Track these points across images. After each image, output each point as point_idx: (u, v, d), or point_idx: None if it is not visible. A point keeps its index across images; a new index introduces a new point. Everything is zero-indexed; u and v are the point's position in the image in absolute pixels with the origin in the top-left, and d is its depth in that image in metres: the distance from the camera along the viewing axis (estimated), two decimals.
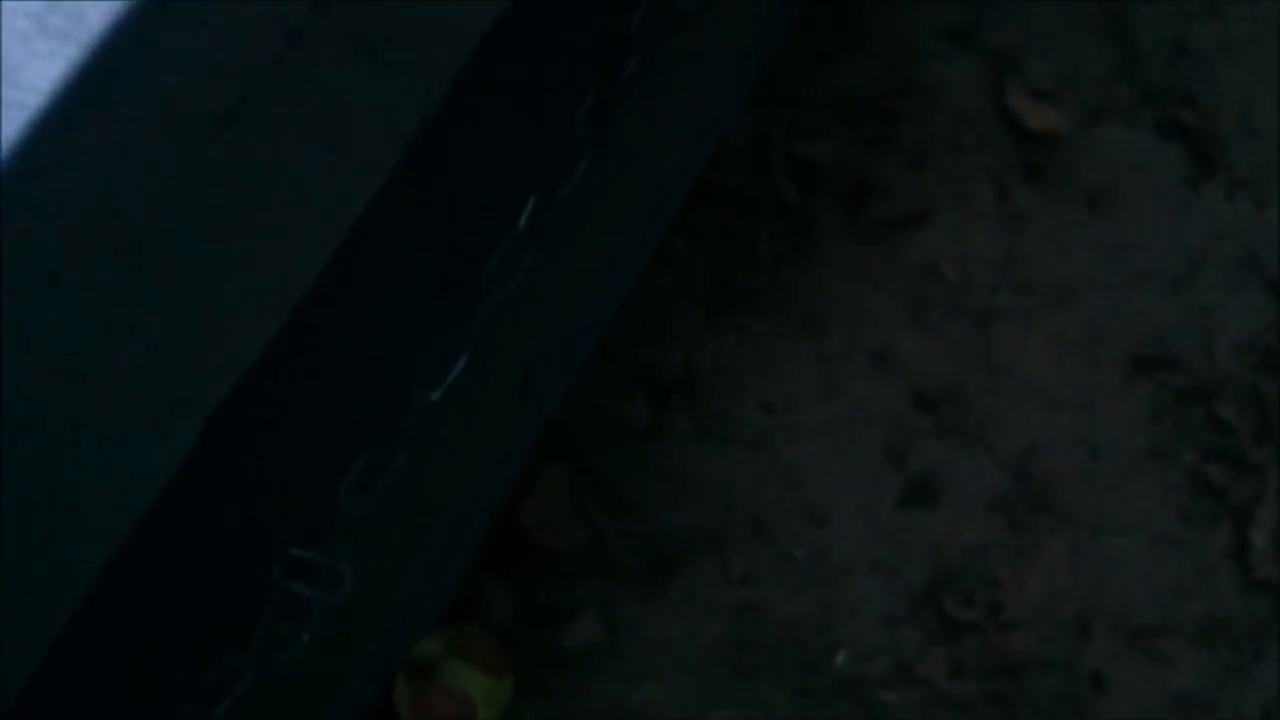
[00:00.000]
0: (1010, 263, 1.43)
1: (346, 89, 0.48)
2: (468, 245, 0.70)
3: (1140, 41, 1.52)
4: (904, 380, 1.37)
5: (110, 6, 0.40)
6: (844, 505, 1.33)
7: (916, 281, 1.42)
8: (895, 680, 1.27)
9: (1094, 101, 1.48)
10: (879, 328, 1.39)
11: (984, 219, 1.45)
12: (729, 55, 0.96)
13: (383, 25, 0.50)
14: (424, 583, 0.82)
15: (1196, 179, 1.45)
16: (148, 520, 0.48)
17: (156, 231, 0.44)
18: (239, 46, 0.45)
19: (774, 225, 1.43)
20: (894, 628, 1.28)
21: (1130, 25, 1.53)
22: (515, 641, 1.25)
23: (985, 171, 1.47)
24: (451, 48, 0.55)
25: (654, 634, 1.26)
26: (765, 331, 1.39)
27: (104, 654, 0.51)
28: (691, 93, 0.94)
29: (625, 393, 1.35)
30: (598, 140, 0.75)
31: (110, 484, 0.46)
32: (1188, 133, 1.47)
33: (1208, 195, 1.45)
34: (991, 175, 1.46)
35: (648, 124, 0.86)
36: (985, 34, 1.49)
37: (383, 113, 0.50)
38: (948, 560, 1.31)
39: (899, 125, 1.48)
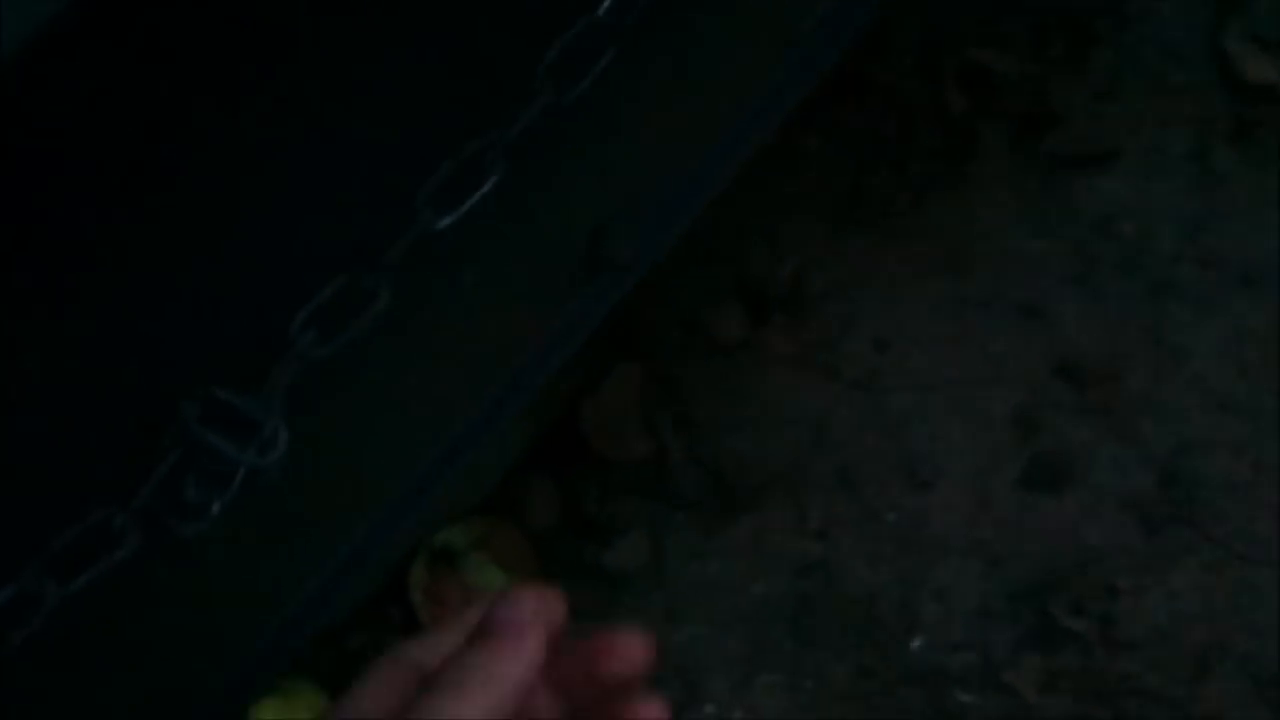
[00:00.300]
0: (1197, 230, 1.22)
1: None
2: (517, 21, 0.53)
3: None
4: (1051, 343, 1.17)
5: None
6: (953, 472, 1.14)
7: (1086, 232, 1.21)
8: (976, 681, 1.08)
9: None
10: (1033, 277, 1.20)
11: (1175, 174, 1.24)
12: None
13: None
14: (432, 470, 0.66)
15: None
16: None
17: None
18: None
19: (930, 138, 1.23)
20: (985, 622, 1.10)
21: None
22: (552, 550, 1.10)
23: (1185, 119, 1.25)
24: None
25: (708, 573, 1.10)
26: (897, 258, 1.20)
27: None
28: None
29: (721, 299, 1.17)
30: None
31: None
32: None
33: None
34: (1192, 125, 1.25)
35: None
36: None
37: None
38: (1063, 557, 1.12)
39: (1095, 49, 1.26)
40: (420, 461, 0.64)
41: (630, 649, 0.40)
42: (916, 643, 1.09)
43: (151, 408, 0.43)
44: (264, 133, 0.41)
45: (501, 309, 0.63)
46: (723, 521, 1.11)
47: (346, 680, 1.03)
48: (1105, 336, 1.19)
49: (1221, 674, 1.11)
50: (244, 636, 0.59)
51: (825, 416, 1.15)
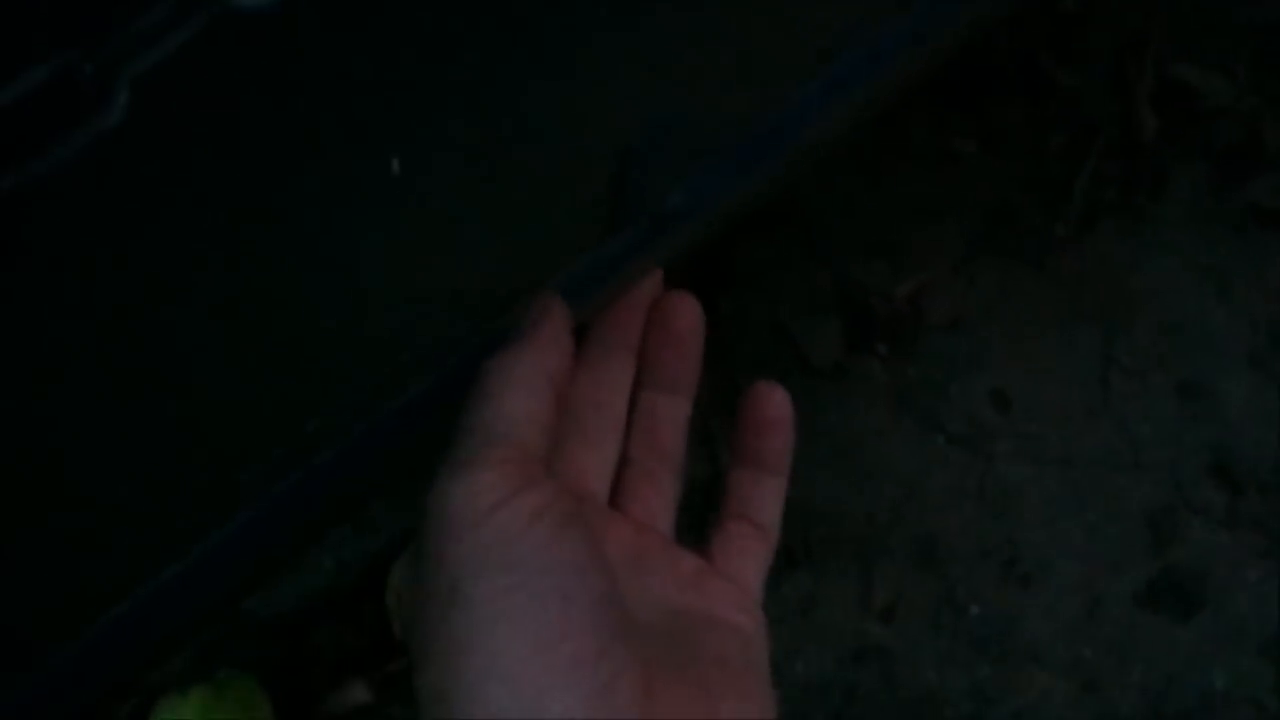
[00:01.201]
0: None
1: None
2: None
3: None
4: (1210, 433, 0.96)
5: None
6: (1062, 570, 0.93)
7: (1276, 307, 0.99)
8: None
9: None
10: (1201, 351, 0.98)
11: None
12: None
13: None
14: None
15: None
16: None
17: None
18: None
19: (1108, 160, 1.01)
20: None
21: None
22: None
23: None
24: None
25: None
26: (1040, 299, 0.99)
27: None
28: None
29: (820, 310, 0.98)
30: None
31: None
32: None
33: None
34: None
35: None
36: None
37: None
38: (1176, 698, 0.90)
39: None
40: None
41: (684, 306, 0.48)
42: None
43: None
44: None
45: (458, 238, 0.44)
46: (772, 577, 0.91)
47: (299, 678, 0.84)
48: (1277, 438, 0.96)
49: None
50: None
51: (918, 475, 0.94)
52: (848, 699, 0.90)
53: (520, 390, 0.41)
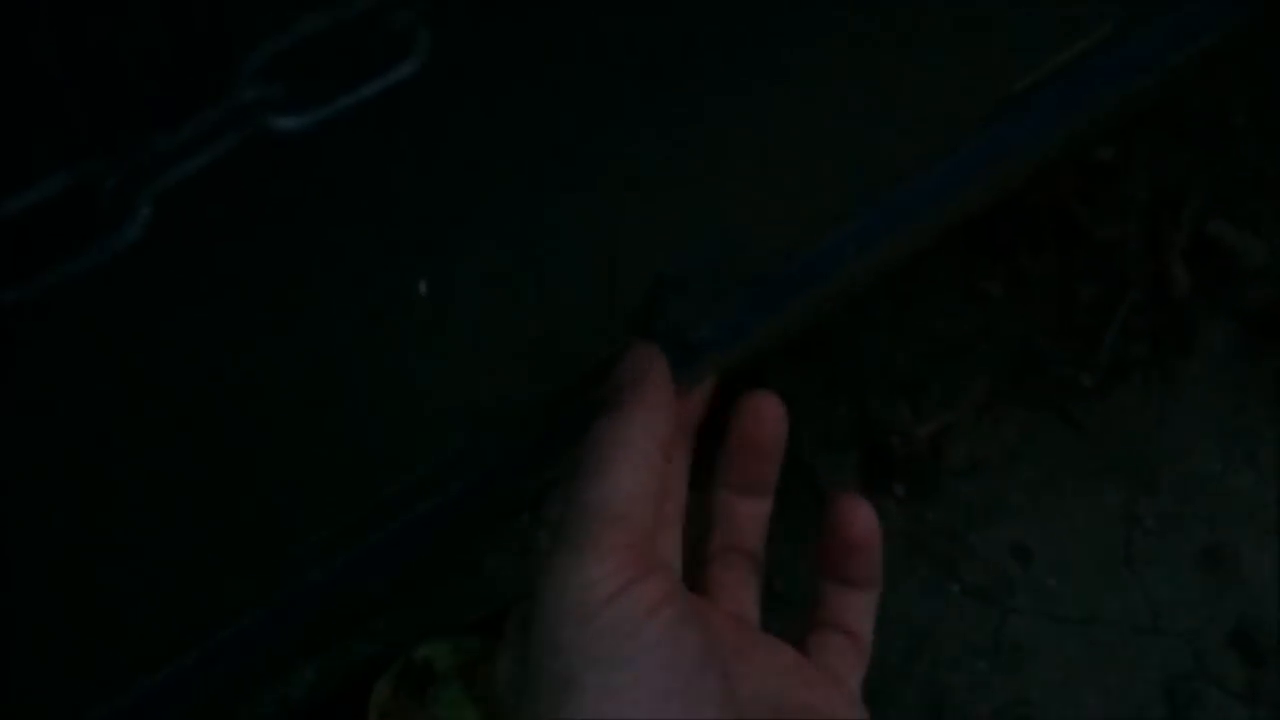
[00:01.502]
0: None
1: None
2: None
3: None
4: (1236, 603, 0.93)
5: None
6: None
7: None
8: None
9: None
10: (1227, 517, 0.95)
11: None
12: None
13: None
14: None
15: None
16: None
17: None
18: None
19: (1139, 314, 1.00)
20: None
21: None
22: None
23: None
24: None
25: None
26: (1064, 450, 0.97)
27: None
28: None
29: (836, 445, 0.95)
30: None
31: None
32: None
33: None
34: None
35: None
36: None
37: None
38: None
39: None
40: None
41: (769, 407, 0.48)
42: None
43: None
44: None
45: (482, 359, 0.43)
46: None
47: None
48: None
49: None
50: None
51: (929, 624, 0.91)
52: None
53: (634, 462, 0.41)
